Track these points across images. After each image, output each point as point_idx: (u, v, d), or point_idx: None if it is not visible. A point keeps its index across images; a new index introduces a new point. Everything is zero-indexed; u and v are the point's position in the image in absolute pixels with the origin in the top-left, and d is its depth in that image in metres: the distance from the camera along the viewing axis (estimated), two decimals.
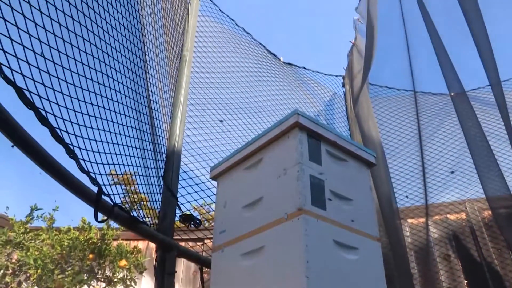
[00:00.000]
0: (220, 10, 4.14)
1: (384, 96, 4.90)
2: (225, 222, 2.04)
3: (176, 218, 2.70)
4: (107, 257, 5.13)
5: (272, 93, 4.33)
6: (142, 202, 2.56)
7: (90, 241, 5.24)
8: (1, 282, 4.48)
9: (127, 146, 2.16)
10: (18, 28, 1.40)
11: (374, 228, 1.92)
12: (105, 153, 1.92)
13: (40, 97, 1.49)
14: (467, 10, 2.69)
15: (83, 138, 1.75)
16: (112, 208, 1.97)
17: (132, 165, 2.23)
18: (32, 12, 1.49)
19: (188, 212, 2.82)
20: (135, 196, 2.53)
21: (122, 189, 2.33)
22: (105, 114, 1.96)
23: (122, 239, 5.59)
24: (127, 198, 2.53)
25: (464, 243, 4.54)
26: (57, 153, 1.62)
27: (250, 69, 4.23)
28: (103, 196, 1.86)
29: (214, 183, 2.29)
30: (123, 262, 5.06)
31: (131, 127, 2.22)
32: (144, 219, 2.37)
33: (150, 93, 2.61)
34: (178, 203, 2.71)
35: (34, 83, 1.46)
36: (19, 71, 1.39)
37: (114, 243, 5.43)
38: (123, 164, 2.12)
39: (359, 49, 4.54)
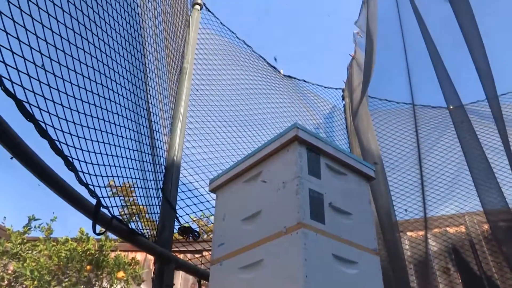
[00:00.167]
0: (221, 22, 4.17)
1: (384, 109, 4.92)
2: (224, 235, 2.03)
3: (175, 230, 2.69)
4: (104, 269, 5.11)
5: (272, 106, 4.34)
6: (140, 213, 2.56)
7: (88, 252, 5.21)
8: None
9: (127, 158, 2.16)
10: (19, 41, 1.41)
11: (373, 242, 1.91)
12: (104, 165, 1.92)
13: (40, 109, 1.49)
14: (464, 25, 2.72)
15: (82, 150, 1.75)
16: (111, 220, 1.97)
17: (131, 177, 2.23)
18: (33, 25, 1.50)
19: (186, 224, 2.81)
20: (133, 207, 2.52)
21: (120, 200, 2.33)
22: (104, 126, 1.96)
23: (120, 250, 5.56)
24: (125, 209, 2.52)
25: (463, 256, 4.52)
26: (53, 162, 1.62)
27: (250, 82, 4.25)
28: (101, 208, 1.86)
29: (213, 195, 2.29)
30: (120, 274, 5.03)
31: (131, 139, 2.23)
32: (142, 231, 2.36)
33: (150, 105, 2.62)
34: (177, 215, 2.71)
35: (35, 96, 1.47)
36: (20, 84, 1.39)
37: (112, 254, 5.41)
38: (122, 176, 2.11)
39: (359, 62, 4.57)
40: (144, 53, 2.59)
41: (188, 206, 2.92)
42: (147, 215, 2.56)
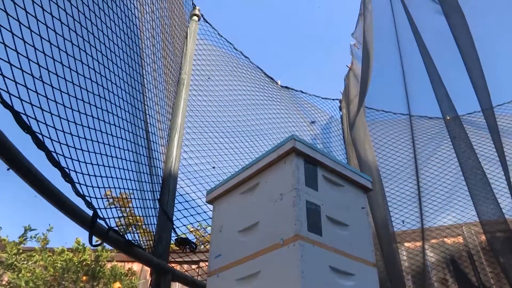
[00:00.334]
0: (219, 33, 4.19)
1: (381, 120, 4.94)
2: (221, 247, 2.03)
3: (172, 241, 2.68)
4: (101, 279, 5.08)
5: (269, 117, 4.35)
6: (137, 224, 2.55)
7: (84, 263, 5.19)
8: None
9: (124, 169, 2.16)
10: (17, 53, 1.41)
11: (371, 253, 1.91)
12: (101, 176, 1.92)
13: (37, 121, 1.49)
14: (458, 38, 2.75)
15: (79, 161, 1.75)
16: (107, 231, 1.96)
17: (128, 188, 2.23)
18: (32, 37, 1.50)
19: (183, 235, 2.80)
20: (130, 218, 2.52)
21: (116, 209, 2.32)
22: (102, 137, 1.96)
23: (116, 261, 5.54)
24: (122, 220, 2.51)
25: (461, 267, 4.51)
26: (48, 172, 1.62)
27: (248, 93, 4.27)
28: (98, 220, 1.85)
29: (210, 206, 2.28)
30: (117, 285, 5.00)
31: (128, 150, 2.23)
32: (139, 242, 2.35)
33: (148, 116, 2.62)
34: (174, 226, 2.70)
35: (32, 107, 1.47)
36: (18, 96, 1.40)
37: (109, 265, 5.38)
38: (119, 188, 2.11)
39: (356, 74, 4.59)
40: (141, 64, 2.60)
41: (185, 217, 2.92)
42: (143, 226, 2.55)
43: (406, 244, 4.61)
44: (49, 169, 1.60)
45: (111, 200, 2.40)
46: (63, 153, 1.64)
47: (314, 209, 1.72)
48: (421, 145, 4.77)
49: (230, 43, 4.28)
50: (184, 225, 2.91)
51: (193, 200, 3.02)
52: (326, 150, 4.68)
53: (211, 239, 2.12)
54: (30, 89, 1.47)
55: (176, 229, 2.73)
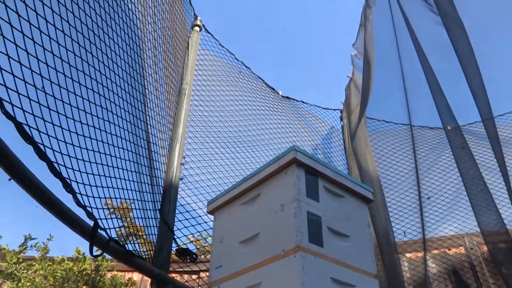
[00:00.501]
0: (220, 43, 4.21)
1: (382, 130, 4.94)
2: (222, 258, 2.02)
3: (172, 250, 2.68)
4: None
5: (270, 127, 4.36)
6: (137, 233, 2.54)
7: (84, 272, 5.17)
8: None
9: (125, 179, 2.16)
10: (20, 64, 1.42)
11: (372, 264, 1.91)
12: (102, 186, 1.92)
13: (39, 131, 1.50)
14: (458, 49, 2.76)
15: (80, 172, 1.75)
16: (108, 242, 1.95)
17: (129, 199, 2.22)
18: (35, 48, 1.51)
19: (184, 246, 2.79)
20: (130, 228, 2.51)
21: (117, 219, 2.32)
22: (103, 148, 1.96)
23: (116, 270, 5.52)
24: (122, 229, 2.51)
25: (463, 278, 4.49)
26: (47, 182, 1.62)
27: (249, 103, 4.28)
28: (98, 230, 1.85)
29: (211, 216, 2.28)
30: None
31: (129, 160, 2.23)
32: (139, 253, 2.34)
33: (149, 126, 2.63)
34: (175, 236, 2.69)
35: (34, 118, 1.47)
36: (20, 106, 1.40)
37: (109, 275, 5.36)
38: (120, 198, 2.11)
39: (357, 84, 4.61)
40: (143, 74, 2.62)
41: (185, 227, 2.91)
42: (144, 236, 2.54)
43: (407, 254, 4.59)
44: (48, 179, 1.61)
45: (111, 210, 2.40)
46: (64, 163, 1.64)
47: (315, 220, 1.72)
48: (422, 155, 4.76)
49: (232, 54, 4.30)
50: (185, 235, 2.91)
51: (194, 210, 3.02)
52: (327, 160, 4.68)
53: (212, 249, 2.12)
54: (33, 100, 1.48)
55: (177, 239, 2.73)
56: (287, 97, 4.85)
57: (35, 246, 5.77)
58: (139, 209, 2.38)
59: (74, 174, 1.71)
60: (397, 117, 4.89)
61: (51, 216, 1.73)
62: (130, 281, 5.34)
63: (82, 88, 1.84)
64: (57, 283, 4.94)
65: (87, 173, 1.82)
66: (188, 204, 3.01)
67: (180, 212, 2.88)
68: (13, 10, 1.38)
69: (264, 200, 1.89)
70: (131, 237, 2.56)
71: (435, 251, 4.62)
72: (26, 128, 1.44)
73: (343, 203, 1.94)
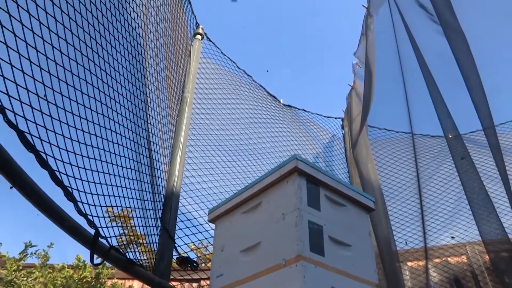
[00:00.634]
0: (222, 52, 4.23)
1: (383, 138, 4.94)
2: (222, 266, 2.02)
3: (173, 258, 2.67)
4: None
5: (271, 135, 4.36)
6: (139, 241, 2.54)
7: (84, 280, 5.16)
8: None
9: (126, 187, 2.16)
10: (23, 72, 1.43)
11: (373, 274, 1.90)
12: (103, 195, 1.92)
13: (41, 140, 1.50)
14: (459, 59, 2.76)
15: (82, 180, 1.75)
16: (108, 250, 1.95)
17: (131, 207, 2.22)
18: (38, 57, 1.52)
19: (185, 254, 2.78)
20: (131, 235, 2.51)
21: (118, 227, 2.31)
22: (104, 156, 1.97)
23: (117, 278, 5.50)
24: (123, 237, 2.50)
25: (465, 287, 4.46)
26: (47, 190, 1.62)
27: (251, 111, 4.29)
28: (99, 238, 1.85)
29: (212, 225, 2.28)
30: None
31: (131, 168, 2.23)
32: (140, 261, 2.34)
33: (150, 134, 2.63)
34: (175, 245, 2.69)
35: (36, 126, 1.48)
36: (22, 115, 1.41)
37: (109, 282, 5.34)
38: (121, 206, 2.11)
39: (358, 93, 4.61)
40: (145, 82, 2.63)
41: (186, 235, 2.91)
42: (145, 243, 2.54)
43: (409, 263, 4.57)
44: (48, 186, 1.61)
45: (112, 217, 2.40)
46: (66, 172, 1.64)
47: (316, 229, 1.71)
48: (423, 164, 4.75)
49: (233, 62, 4.32)
50: (186, 244, 2.90)
51: (195, 218, 3.01)
52: (328, 169, 4.68)
53: (213, 258, 2.11)
54: (35, 108, 1.49)
55: (178, 248, 2.72)
56: (289, 105, 4.86)
57: (35, 253, 5.75)
58: (140, 217, 2.38)
59: (76, 182, 1.71)
60: (398, 126, 4.89)
61: (52, 224, 1.73)
62: None
63: (84, 96, 1.84)
64: None
65: (89, 182, 1.82)
66: (189, 212, 3.00)
67: (181, 220, 2.88)
68: (16, 19, 1.39)
69: (266, 209, 1.89)
70: (131, 245, 2.56)
71: (437, 260, 4.60)
72: (28, 136, 1.44)
73: (344, 212, 1.94)
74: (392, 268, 3.74)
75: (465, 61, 2.70)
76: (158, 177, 2.71)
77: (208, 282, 2.09)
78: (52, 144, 1.58)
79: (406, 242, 4.36)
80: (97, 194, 1.88)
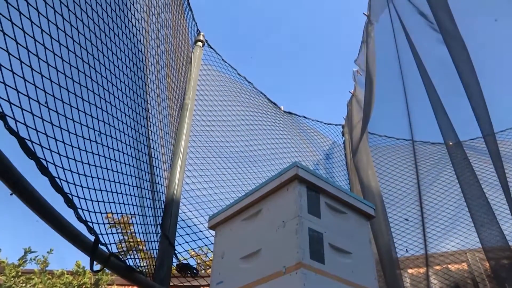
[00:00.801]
0: (223, 59, 4.24)
1: (383, 145, 4.94)
2: (223, 273, 2.01)
3: (173, 265, 2.66)
4: None
5: (272, 142, 4.37)
6: (138, 247, 2.53)
7: (84, 286, 5.14)
8: None
9: (126, 194, 2.16)
10: (24, 80, 1.43)
11: (374, 281, 1.89)
12: (103, 201, 1.92)
13: (42, 146, 1.50)
14: (459, 66, 2.77)
15: (82, 187, 1.75)
16: (108, 257, 1.95)
17: (131, 214, 2.22)
18: (39, 64, 1.53)
19: (185, 260, 2.78)
20: (131, 242, 2.50)
21: (118, 234, 2.31)
22: (105, 163, 1.97)
23: (116, 285, 5.49)
24: (123, 243, 2.50)
25: None
26: (47, 197, 1.62)
27: (251, 118, 4.29)
28: (99, 245, 1.85)
29: (212, 232, 2.27)
30: None
31: (131, 175, 2.23)
32: (140, 268, 2.33)
33: (151, 141, 2.64)
34: (175, 251, 2.68)
35: (37, 133, 1.48)
36: (23, 122, 1.41)
37: None
38: (121, 213, 2.11)
39: (358, 100, 4.62)
40: (145, 89, 2.63)
41: (186, 242, 2.90)
42: (144, 250, 2.54)
43: (409, 270, 4.55)
44: (48, 193, 1.61)
45: (112, 223, 2.40)
46: (66, 178, 1.64)
47: (316, 236, 1.71)
48: (424, 171, 4.75)
49: (234, 69, 4.33)
50: (186, 250, 2.90)
51: (195, 225, 3.01)
52: (329, 176, 4.67)
53: (213, 265, 2.11)
54: (36, 115, 1.49)
55: (178, 254, 2.72)
56: (289, 112, 4.87)
57: (34, 259, 5.73)
58: (140, 224, 2.38)
59: (76, 189, 1.71)
60: (398, 133, 4.89)
61: (52, 230, 1.73)
62: None
63: (85, 103, 1.85)
64: None
65: (89, 188, 1.82)
66: (190, 219, 3.00)
67: (181, 227, 2.87)
68: (18, 27, 1.40)
69: (266, 216, 1.89)
70: (131, 251, 2.55)
71: (438, 267, 4.58)
72: (29, 143, 1.45)
73: (344, 220, 1.94)
74: (392, 276, 3.72)
75: (465, 69, 2.70)
76: (159, 184, 2.71)
77: None
78: (53, 151, 1.58)
79: (406, 249, 4.35)
80: (97, 201, 1.88)
